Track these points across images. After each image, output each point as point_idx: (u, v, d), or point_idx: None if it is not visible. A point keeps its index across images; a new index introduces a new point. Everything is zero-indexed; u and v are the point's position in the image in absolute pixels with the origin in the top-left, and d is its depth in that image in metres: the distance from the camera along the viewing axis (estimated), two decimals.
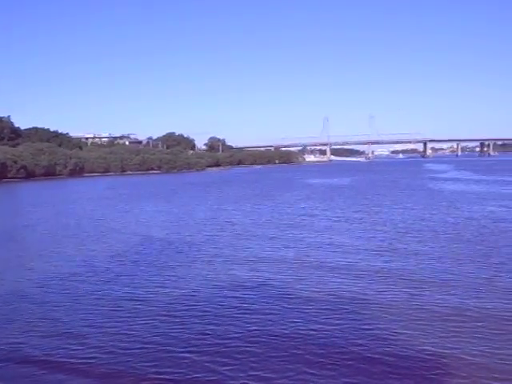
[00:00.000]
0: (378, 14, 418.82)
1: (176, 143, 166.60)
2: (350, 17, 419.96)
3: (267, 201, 41.67)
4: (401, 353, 9.40)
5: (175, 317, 11.69)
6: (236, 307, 12.35)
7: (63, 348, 9.94)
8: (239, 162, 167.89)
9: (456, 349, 9.49)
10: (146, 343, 10.11)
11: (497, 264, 16.24)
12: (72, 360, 9.39)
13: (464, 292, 13.12)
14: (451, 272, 15.32)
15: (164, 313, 12.01)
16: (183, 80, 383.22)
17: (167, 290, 14.00)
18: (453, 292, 13.17)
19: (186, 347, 9.89)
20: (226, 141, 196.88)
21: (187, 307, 12.43)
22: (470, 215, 28.66)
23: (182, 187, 65.58)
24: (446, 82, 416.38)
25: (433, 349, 9.51)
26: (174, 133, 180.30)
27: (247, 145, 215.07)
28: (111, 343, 10.13)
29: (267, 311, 11.98)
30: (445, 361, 9.04)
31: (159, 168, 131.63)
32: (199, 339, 10.28)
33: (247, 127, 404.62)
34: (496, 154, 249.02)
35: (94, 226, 28.30)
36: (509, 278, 14.32)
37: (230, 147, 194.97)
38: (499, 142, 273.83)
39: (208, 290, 14.01)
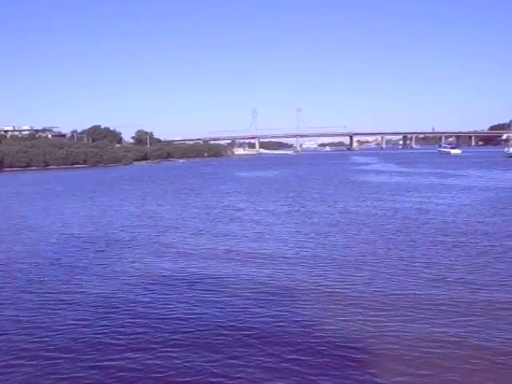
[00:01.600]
0: (303, 7, 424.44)
1: (102, 136, 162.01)
2: (277, 10, 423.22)
3: (195, 195, 41.15)
4: (330, 338, 9.54)
5: (102, 318, 11.17)
6: (162, 300, 12.20)
7: None
8: (168, 156, 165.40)
9: (380, 331, 9.82)
10: (72, 347, 9.55)
11: (417, 252, 16.74)
12: None
13: (384, 278, 13.50)
14: (374, 260, 15.70)
15: (89, 313, 11.44)
16: (109, 71, 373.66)
17: (91, 290, 13.33)
18: (374, 279, 13.59)
19: (118, 346, 9.56)
20: (154, 134, 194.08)
21: (114, 306, 11.95)
22: (392, 206, 29.50)
23: (107, 182, 63.69)
24: (370, 78, 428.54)
25: (358, 333, 9.79)
26: (99, 126, 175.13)
27: (176, 138, 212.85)
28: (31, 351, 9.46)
29: (196, 303, 11.91)
30: (367, 344, 9.26)
31: (85, 162, 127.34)
32: (130, 334, 10.02)
33: (176, 120, 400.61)
34: (417, 146, 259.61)
35: (7, 224, 26.75)
36: (429, 265, 14.80)
37: (158, 140, 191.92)
38: (421, 136, 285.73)
39: (132, 286, 13.57)
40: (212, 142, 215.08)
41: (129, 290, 13.26)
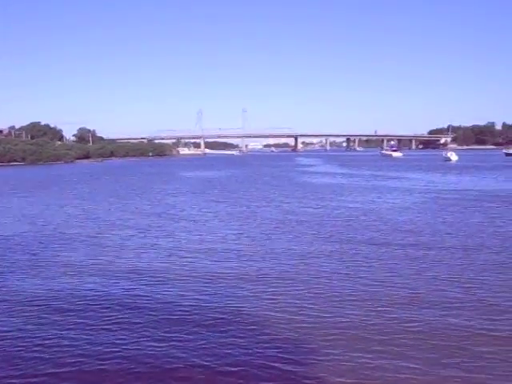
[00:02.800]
0: (244, 6, 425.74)
1: (42, 134, 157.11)
2: (220, 9, 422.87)
3: (137, 195, 40.24)
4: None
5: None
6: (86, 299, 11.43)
7: None
8: (111, 155, 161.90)
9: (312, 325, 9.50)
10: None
11: (356, 251, 16.80)
12: None
13: (323, 276, 13.28)
14: (313, 260, 15.58)
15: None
16: (49, 67, 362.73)
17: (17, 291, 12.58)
18: (311, 276, 13.57)
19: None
20: (98, 132, 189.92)
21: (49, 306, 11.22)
22: (334, 206, 29.73)
23: (44, 181, 61.54)
24: (315, 81, 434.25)
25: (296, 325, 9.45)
26: (39, 122, 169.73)
27: (120, 137, 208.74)
28: None
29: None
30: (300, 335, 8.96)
31: (23, 160, 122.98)
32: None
33: (120, 119, 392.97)
34: (360, 148, 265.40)
35: None
36: (367, 263, 14.81)
37: (102, 139, 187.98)
38: (364, 138, 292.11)
39: (65, 286, 12.87)
40: (157, 142, 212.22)
41: (56, 289, 12.60)
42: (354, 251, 17.21)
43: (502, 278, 13.50)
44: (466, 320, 10.41)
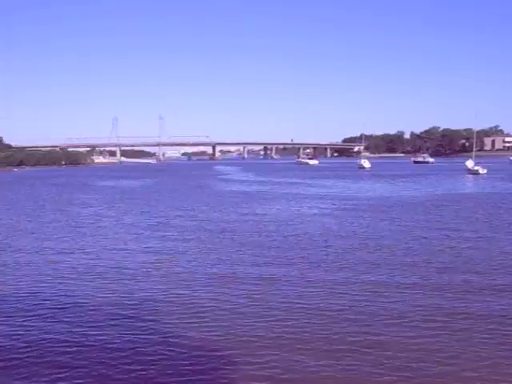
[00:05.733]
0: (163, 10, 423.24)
1: None
2: (131, 19, 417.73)
3: (45, 207, 38.31)
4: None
5: None
6: None
7: None
8: (20, 163, 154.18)
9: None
10: None
11: (271, 255, 16.87)
12: None
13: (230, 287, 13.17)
14: (224, 267, 15.55)
15: None
16: None
17: None
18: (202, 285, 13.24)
19: None
20: (5, 139, 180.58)
21: None
22: (252, 214, 29.91)
23: None
24: (231, 89, 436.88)
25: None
26: None
27: (30, 144, 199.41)
28: None
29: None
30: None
31: None
32: None
33: (31, 126, 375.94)
34: (278, 157, 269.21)
35: None
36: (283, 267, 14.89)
37: (9, 146, 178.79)
38: (281, 146, 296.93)
39: None
40: (70, 150, 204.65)
41: None
42: (263, 256, 17.27)
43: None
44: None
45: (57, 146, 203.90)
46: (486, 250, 18.50)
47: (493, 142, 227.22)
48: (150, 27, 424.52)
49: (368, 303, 12.14)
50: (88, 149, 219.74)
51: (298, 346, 9.57)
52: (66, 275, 15.47)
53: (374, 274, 14.97)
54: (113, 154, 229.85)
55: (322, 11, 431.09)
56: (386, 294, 12.91)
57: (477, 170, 76.55)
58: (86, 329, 10.67)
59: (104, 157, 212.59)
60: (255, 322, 10.96)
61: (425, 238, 21.22)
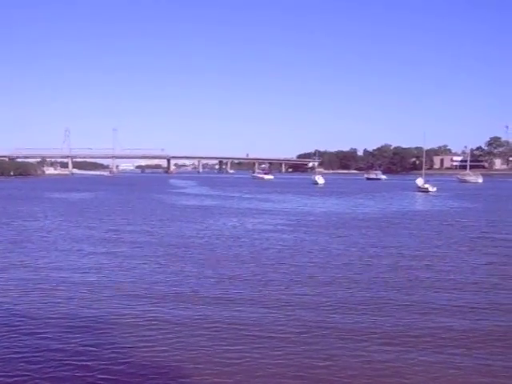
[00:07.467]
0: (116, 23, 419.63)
1: None
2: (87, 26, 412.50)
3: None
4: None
5: None
6: None
7: None
8: None
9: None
10: None
11: (219, 269, 16.70)
12: None
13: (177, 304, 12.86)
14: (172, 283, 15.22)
15: None
16: None
17: None
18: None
19: None
20: None
21: None
22: (202, 229, 29.65)
23: None
24: (187, 102, 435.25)
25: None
26: None
27: None
28: None
29: None
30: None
31: None
32: None
33: None
34: (233, 171, 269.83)
35: None
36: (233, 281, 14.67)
37: None
38: (236, 161, 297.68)
39: None
40: (20, 160, 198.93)
41: None
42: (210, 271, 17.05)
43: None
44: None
45: (5, 157, 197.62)
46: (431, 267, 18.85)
47: (442, 160, 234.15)
48: (107, 33, 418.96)
49: (316, 321, 12.09)
50: (38, 160, 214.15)
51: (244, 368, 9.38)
52: (8, 290, 14.86)
53: (325, 290, 14.97)
54: (64, 165, 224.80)
55: (283, 25, 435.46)
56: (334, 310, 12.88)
57: (427, 188, 78.33)
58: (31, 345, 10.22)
59: (55, 168, 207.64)
60: (204, 342, 10.69)
61: (375, 255, 21.47)
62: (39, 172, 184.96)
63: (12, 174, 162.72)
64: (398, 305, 13.55)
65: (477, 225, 33.35)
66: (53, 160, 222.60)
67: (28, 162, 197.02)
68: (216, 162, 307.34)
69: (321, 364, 9.57)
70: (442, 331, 11.42)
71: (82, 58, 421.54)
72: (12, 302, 13.72)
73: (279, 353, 10.08)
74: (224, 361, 9.67)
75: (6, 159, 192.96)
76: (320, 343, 10.63)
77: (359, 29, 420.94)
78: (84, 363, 9.53)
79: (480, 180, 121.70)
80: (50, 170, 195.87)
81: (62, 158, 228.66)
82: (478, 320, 12.29)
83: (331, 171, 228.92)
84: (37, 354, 9.93)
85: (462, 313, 12.87)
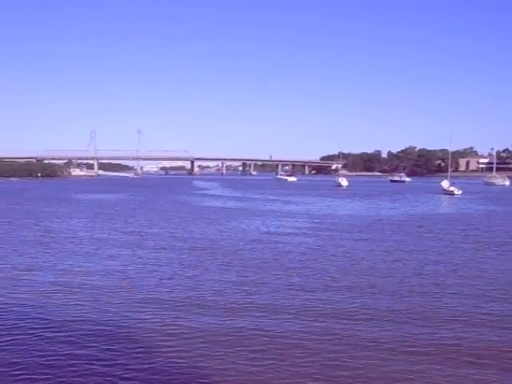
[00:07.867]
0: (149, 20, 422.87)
1: None
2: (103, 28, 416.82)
3: (28, 217, 37.46)
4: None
5: None
6: None
7: None
8: None
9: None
10: None
11: (254, 272, 16.58)
12: None
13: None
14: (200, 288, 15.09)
15: None
16: None
17: None
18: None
19: None
20: None
21: None
22: (225, 230, 29.73)
23: None
24: (211, 104, 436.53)
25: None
26: None
27: (5, 155, 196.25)
28: None
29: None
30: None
31: None
32: None
33: (6, 136, 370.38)
34: (256, 173, 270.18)
35: None
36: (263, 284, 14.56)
37: None
38: (259, 163, 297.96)
39: None
40: (47, 162, 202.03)
41: None
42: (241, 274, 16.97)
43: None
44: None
45: (33, 158, 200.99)
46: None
47: (467, 162, 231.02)
48: (131, 34, 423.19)
49: (340, 329, 11.92)
50: (65, 161, 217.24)
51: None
52: (32, 292, 15.03)
53: (349, 297, 14.79)
54: (90, 166, 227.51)
55: (295, 27, 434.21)
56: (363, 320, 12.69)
57: (452, 191, 77.24)
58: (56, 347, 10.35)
59: (81, 169, 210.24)
60: (226, 351, 10.56)
61: (400, 259, 21.16)
62: (66, 173, 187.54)
63: (39, 175, 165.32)
64: (423, 313, 13.27)
65: (504, 229, 32.74)
66: (79, 161, 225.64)
67: (55, 164, 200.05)
68: (239, 163, 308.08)
69: (345, 374, 9.43)
70: (468, 342, 11.09)
71: (111, 59, 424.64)
72: (35, 304, 13.84)
73: (302, 361, 9.94)
74: (246, 370, 9.57)
75: (34, 160, 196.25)
76: (344, 352, 10.46)
77: (380, 26, 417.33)
78: (105, 369, 9.53)
79: (507, 183, 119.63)
80: (76, 172, 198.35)
81: (87, 159, 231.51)
82: (508, 332, 11.92)
83: (355, 173, 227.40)
84: (57, 359, 9.97)
85: (491, 322, 12.53)
